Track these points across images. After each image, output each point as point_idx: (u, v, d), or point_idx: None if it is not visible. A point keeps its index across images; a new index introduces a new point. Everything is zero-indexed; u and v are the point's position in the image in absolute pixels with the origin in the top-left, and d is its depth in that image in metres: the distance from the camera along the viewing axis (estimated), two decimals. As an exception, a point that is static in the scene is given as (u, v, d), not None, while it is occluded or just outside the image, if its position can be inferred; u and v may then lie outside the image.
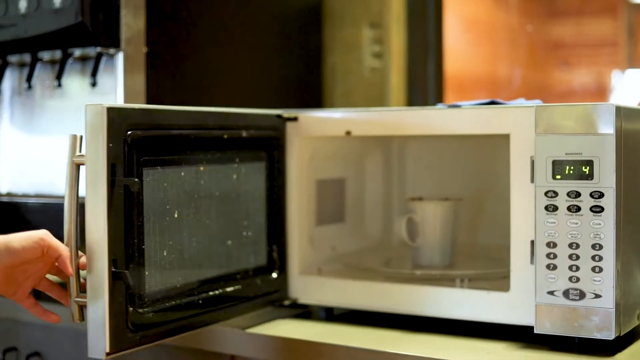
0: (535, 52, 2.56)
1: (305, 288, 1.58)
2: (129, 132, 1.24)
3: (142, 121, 1.28)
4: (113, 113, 1.21)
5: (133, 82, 1.67)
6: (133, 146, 1.25)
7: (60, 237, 1.24)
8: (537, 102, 1.43)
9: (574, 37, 2.52)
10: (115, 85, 1.69)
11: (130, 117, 1.25)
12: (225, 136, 1.47)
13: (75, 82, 1.81)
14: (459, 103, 1.51)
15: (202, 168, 1.43)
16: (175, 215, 1.37)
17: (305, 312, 1.62)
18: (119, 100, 1.67)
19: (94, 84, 1.74)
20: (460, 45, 2.33)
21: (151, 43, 1.70)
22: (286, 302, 1.59)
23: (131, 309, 1.25)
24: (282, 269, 1.59)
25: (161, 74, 1.72)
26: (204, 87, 1.83)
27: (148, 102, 1.67)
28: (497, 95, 2.48)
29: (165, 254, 1.35)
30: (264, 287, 1.55)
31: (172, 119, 1.36)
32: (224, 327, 1.50)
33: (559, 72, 2.55)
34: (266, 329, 1.51)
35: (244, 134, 1.50)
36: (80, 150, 1.22)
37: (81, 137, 1.23)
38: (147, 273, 1.30)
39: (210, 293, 1.43)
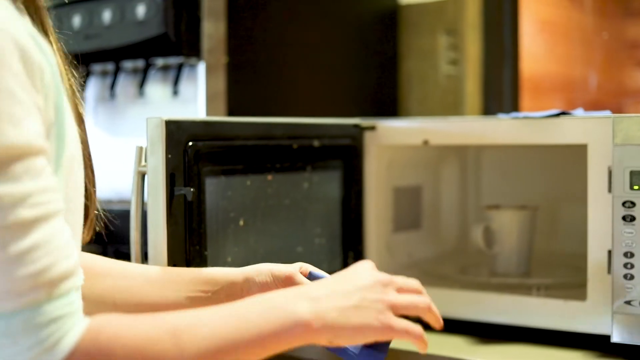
0: (611, 53, 2.52)
1: (382, 294, 1.58)
2: (190, 144, 1.27)
3: (203, 133, 1.30)
4: (172, 126, 1.24)
5: (214, 91, 1.69)
6: (193, 157, 1.28)
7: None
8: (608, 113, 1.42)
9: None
10: (196, 94, 1.72)
11: (190, 129, 1.27)
12: (295, 146, 1.48)
13: (157, 91, 1.84)
14: (533, 114, 1.50)
15: (269, 177, 1.44)
16: (241, 223, 1.39)
17: (381, 318, 1.62)
18: (199, 109, 1.69)
19: (175, 93, 1.77)
20: (535, 46, 2.31)
21: (231, 53, 1.72)
22: (363, 308, 1.60)
23: (192, 310, 1.28)
24: (359, 275, 1.59)
25: (241, 83, 1.74)
26: (283, 95, 1.84)
27: (229, 111, 1.69)
28: (573, 96, 2.45)
29: (229, 259, 1.37)
30: (338, 292, 1.56)
31: (235, 130, 1.37)
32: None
33: (636, 73, 2.51)
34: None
35: (316, 143, 1.51)
36: (144, 160, 1.26)
37: (145, 148, 1.27)
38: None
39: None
